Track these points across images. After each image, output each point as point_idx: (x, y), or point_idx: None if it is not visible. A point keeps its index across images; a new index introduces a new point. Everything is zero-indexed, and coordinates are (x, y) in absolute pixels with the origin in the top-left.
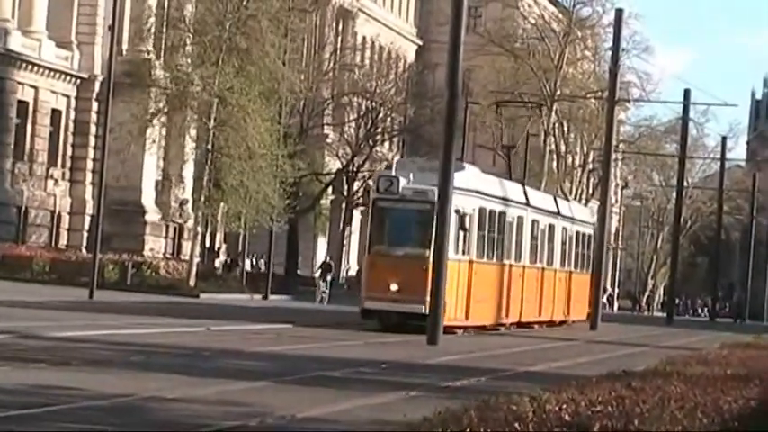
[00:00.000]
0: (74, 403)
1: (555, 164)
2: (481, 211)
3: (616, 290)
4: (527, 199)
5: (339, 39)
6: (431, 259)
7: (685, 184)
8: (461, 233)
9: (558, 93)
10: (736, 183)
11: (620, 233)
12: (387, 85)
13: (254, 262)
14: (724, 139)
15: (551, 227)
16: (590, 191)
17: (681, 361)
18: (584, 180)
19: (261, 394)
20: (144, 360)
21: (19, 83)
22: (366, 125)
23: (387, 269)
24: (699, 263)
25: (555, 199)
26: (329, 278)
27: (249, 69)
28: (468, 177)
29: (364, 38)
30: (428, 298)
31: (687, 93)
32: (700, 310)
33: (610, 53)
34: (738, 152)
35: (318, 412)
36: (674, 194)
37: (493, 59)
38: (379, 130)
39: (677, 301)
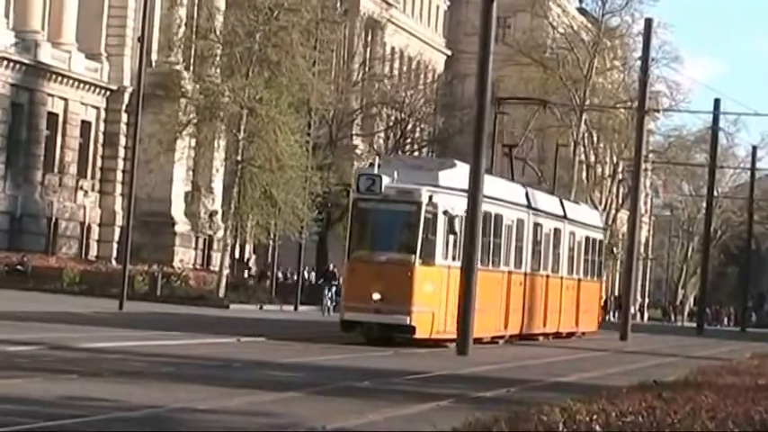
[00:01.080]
0: (104, 414)
1: (584, 174)
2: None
3: (646, 300)
4: (529, 201)
5: (368, 49)
6: (416, 266)
7: (715, 193)
8: (451, 237)
9: (588, 102)
10: (766, 192)
11: (650, 243)
12: (416, 95)
13: (288, 274)
14: (754, 148)
15: (557, 231)
16: (620, 201)
17: (712, 371)
18: (614, 190)
19: (290, 405)
20: (174, 371)
21: (49, 94)
22: (395, 136)
23: (368, 276)
24: (729, 272)
25: (561, 201)
26: (333, 288)
27: (279, 80)
28: (458, 176)
29: (393, 48)
30: (414, 308)
31: (717, 102)
32: (726, 321)
33: (639, 63)
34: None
35: (347, 423)
36: (704, 204)
37: (522, 69)
38: (409, 140)
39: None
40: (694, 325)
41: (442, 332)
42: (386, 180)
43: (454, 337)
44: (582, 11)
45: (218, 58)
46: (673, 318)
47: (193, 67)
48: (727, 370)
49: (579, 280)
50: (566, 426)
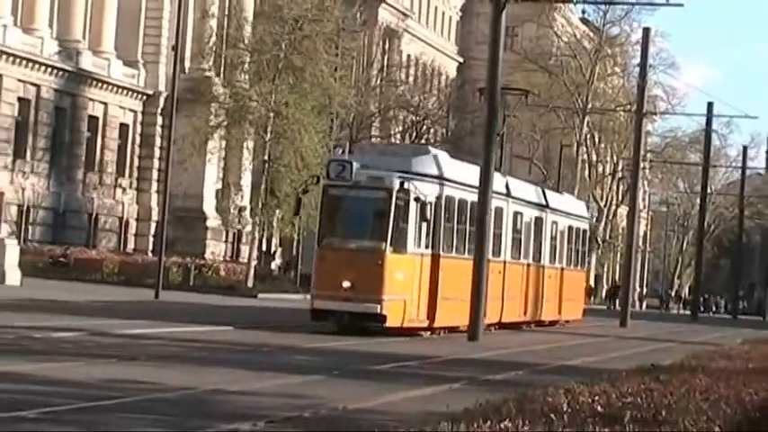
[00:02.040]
0: (141, 396)
1: (587, 172)
2: (449, 200)
3: (644, 289)
4: (508, 190)
5: (386, 57)
6: (387, 253)
7: (709, 190)
8: (423, 224)
9: (590, 106)
10: (756, 189)
11: (648, 237)
12: (430, 99)
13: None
14: (745, 148)
15: (538, 220)
16: (619, 197)
17: (705, 356)
18: (614, 187)
19: (315, 387)
20: (206, 355)
21: (90, 99)
22: (410, 137)
23: (338, 264)
24: (721, 264)
25: (543, 191)
26: None
27: (303, 86)
28: (431, 162)
29: (409, 56)
30: (384, 296)
31: (710, 106)
32: (715, 308)
33: (638, 69)
34: (759, 161)
35: (367, 404)
36: (698, 200)
37: (529, 75)
38: (423, 141)
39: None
40: (689, 313)
41: (414, 321)
42: (357, 166)
43: (427, 325)
44: (584, 21)
45: (246, 65)
46: (669, 306)
47: (223, 74)
48: (719, 354)
49: (562, 269)
50: (569, 406)
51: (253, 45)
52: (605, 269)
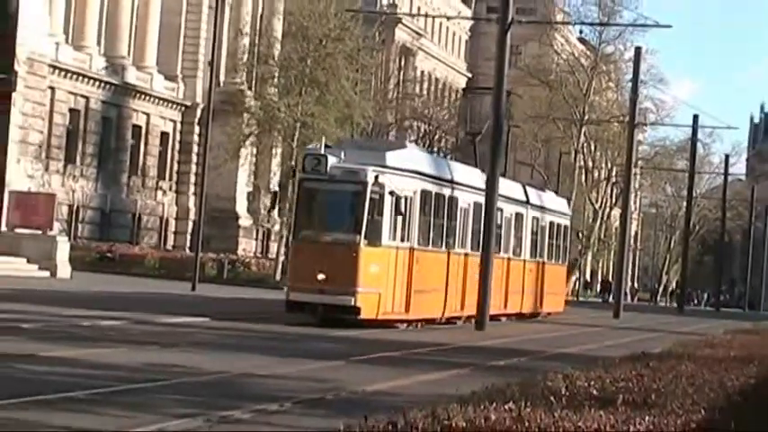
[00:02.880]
0: (178, 379)
1: (583, 177)
2: (425, 194)
3: (635, 284)
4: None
5: (402, 72)
6: (361, 246)
7: (694, 194)
8: (399, 218)
9: (586, 117)
10: (737, 194)
11: (639, 236)
12: (441, 111)
13: None
14: (727, 156)
15: (518, 215)
16: (613, 200)
17: (691, 344)
18: (609, 191)
19: (336, 371)
20: (237, 342)
21: (134, 110)
22: (424, 145)
23: (313, 257)
24: (705, 261)
25: (524, 188)
26: None
27: (327, 98)
28: (406, 157)
29: (423, 71)
30: (358, 289)
31: (696, 118)
32: (697, 301)
33: (630, 84)
34: (739, 167)
35: (384, 386)
36: (685, 203)
37: (531, 89)
38: (435, 149)
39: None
40: (676, 305)
41: (389, 313)
42: (332, 160)
43: (403, 318)
44: (582, 40)
45: (275, 80)
46: (657, 299)
47: (255, 87)
48: (704, 343)
49: (543, 263)
50: (567, 390)
51: (281, 61)
52: (600, 265)
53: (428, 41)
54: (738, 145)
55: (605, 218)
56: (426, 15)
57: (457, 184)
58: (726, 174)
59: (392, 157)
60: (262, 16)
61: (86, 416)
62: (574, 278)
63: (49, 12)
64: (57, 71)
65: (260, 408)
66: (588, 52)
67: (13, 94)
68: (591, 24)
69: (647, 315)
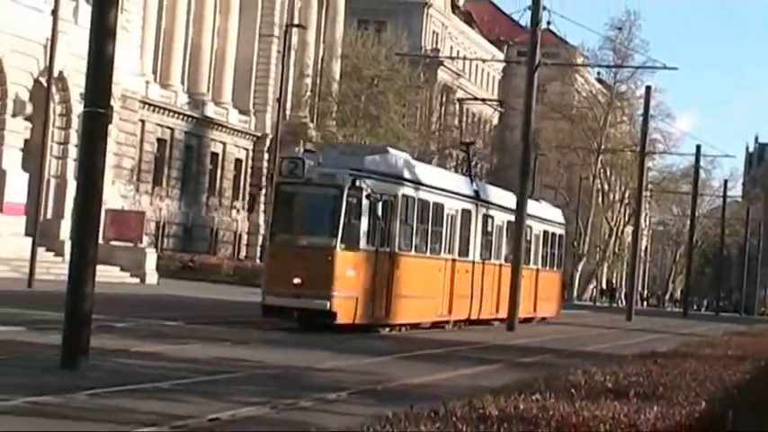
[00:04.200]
0: (247, 371)
1: (600, 199)
2: (407, 199)
3: (645, 291)
4: (477, 194)
5: (443, 107)
6: (337, 250)
7: (696, 214)
8: (378, 222)
9: (603, 147)
10: (734, 214)
11: (649, 250)
12: (477, 140)
13: None
14: (725, 181)
15: (511, 224)
16: (626, 219)
17: (694, 344)
18: (622, 211)
19: (384, 366)
20: (298, 340)
21: (212, 139)
22: (462, 171)
23: (289, 261)
24: (706, 272)
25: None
26: None
27: (378, 130)
28: (386, 162)
29: (461, 106)
30: (334, 293)
31: (698, 148)
32: (697, 307)
33: (641, 118)
34: (736, 191)
35: (426, 379)
36: (689, 222)
37: (555, 122)
38: (472, 174)
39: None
40: (680, 310)
41: (368, 318)
42: (309, 163)
43: (384, 322)
44: (599, 80)
45: (334, 114)
46: (664, 305)
47: (316, 120)
48: (705, 344)
49: (537, 270)
50: (586, 383)
51: (339, 98)
52: (614, 275)
53: (466, 81)
54: (735, 171)
55: (619, 234)
56: (464, 58)
57: (444, 190)
58: (724, 196)
59: (370, 162)
60: (322, 59)
61: (170, 403)
62: (591, 286)
63: (140, 55)
64: (146, 106)
65: (320, 397)
66: (605, 90)
67: (110, 126)
68: (607, 66)
69: (655, 318)
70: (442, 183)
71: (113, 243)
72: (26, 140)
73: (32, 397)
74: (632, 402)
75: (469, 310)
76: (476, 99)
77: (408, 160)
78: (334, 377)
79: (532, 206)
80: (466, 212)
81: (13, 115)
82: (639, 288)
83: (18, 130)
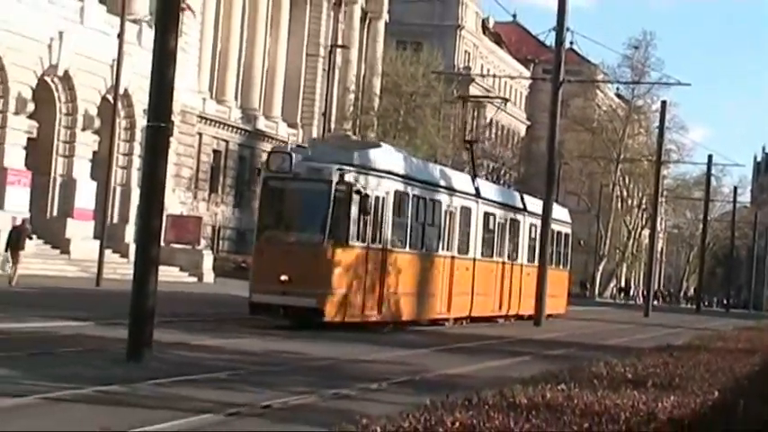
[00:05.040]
0: (296, 363)
1: (619, 204)
2: (400, 195)
3: (661, 289)
4: (478, 191)
5: (474, 121)
6: (325, 246)
7: (708, 218)
8: (368, 217)
9: (622, 157)
10: (743, 218)
11: (664, 251)
12: (506, 151)
13: None
14: (735, 188)
15: (514, 222)
16: (643, 223)
17: (706, 338)
18: (640, 215)
19: (422, 358)
20: (344, 334)
21: (263, 150)
22: (492, 178)
23: (276, 258)
24: (717, 272)
25: (521, 196)
26: None
27: (416, 141)
28: (378, 157)
29: (491, 119)
30: (322, 290)
31: (710, 157)
32: (707, 303)
33: (657, 130)
34: (745, 197)
35: (460, 370)
36: (701, 226)
37: (578, 134)
38: (502, 182)
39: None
40: (694, 307)
41: (358, 315)
42: (297, 158)
43: (375, 320)
44: (618, 95)
45: (375, 127)
46: (678, 302)
47: (358, 132)
48: (717, 338)
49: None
50: (608, 374)
51: (380, 112)
52: (633, 275)
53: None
54: (744, 178)
55: (637, 236)
56: (494, 76)
57: (442, 187)
58: (734, 202)
59: (360, 156)
60: (364, 76)
61: (226, 392)
62: (612, 284)
63: (198, 74)
64: (203, 120)
65: (363, 386)
66: (623, 105)
67: (170, 139)
68: (625, 83)
69: (670, 315)
70: (439, 179)
71: (173, 245)
72: (94, 152)
73: (101, 386)
74: (650, 392)
75: (470, 307)
76: (478, 97)
77: (403, 156)
78: (376, 368)
79: (536, 204)
80: (466, 210)
81: (83, 129)
82: (656, 287)
83: (87, 143)
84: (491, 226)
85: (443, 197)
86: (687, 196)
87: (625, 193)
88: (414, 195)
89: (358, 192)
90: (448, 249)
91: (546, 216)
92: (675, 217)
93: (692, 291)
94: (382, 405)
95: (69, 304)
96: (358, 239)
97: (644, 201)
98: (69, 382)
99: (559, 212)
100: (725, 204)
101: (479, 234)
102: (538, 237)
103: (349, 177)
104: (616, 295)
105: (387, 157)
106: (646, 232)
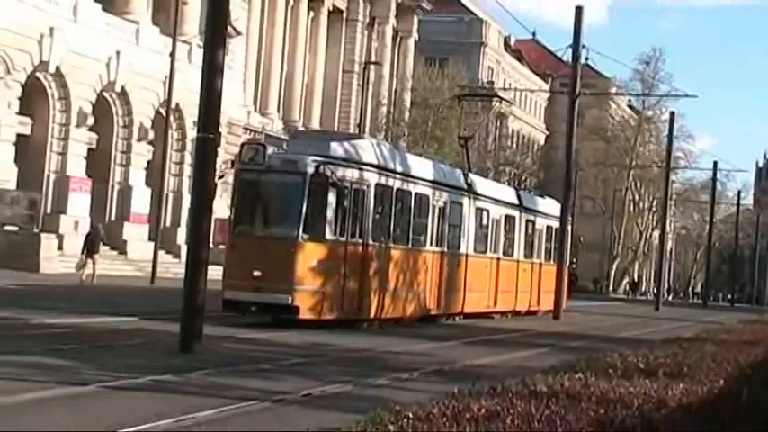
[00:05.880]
0: (333, 354)
1: (632, 207)
2: (382, 188)
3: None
4: (471, 186)
5: (497, 131)
6: (300, 241)
7: (714, 220)
8: (347, 212)
9: (633, 163)
10: (746, 219)
11: (673, 250)
12: (526, 159)
13: None
14: (739, 192)
15: (509, 218)
16: (654, 224)
17: (713, 331)
18: (650, 217)
19: (450, 350)
20: (380, 329)
21: None
22: (512, 184)
23: (249, 253)
24: (723, 269)
25: (517, 193)
26: None
27: (443, 150)
28: (358, 148)
29: (513, 130)
30: (296, 287)
31: (715, 163)
32: (713, 298)
33: (666, 139)
34: (748, 200)
35: (485, 361)
36: (707, 227)
37: (592, 143)
38: (522, 187)
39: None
40: (701, 302)
41: (336, 313)
42: (270, 150)
43: (358, 317)
44: (630, 107)
45: (405, 137)
46: (687, 297)
47: (390, 142)
48: (722, 330)
49: (540, 264)
50: (622, 364)
51: (409, 123)
52: (644, 272)
53: (517, 108)
54: (747, 183)
55: (648, 237)
56: (515, 89)
57: (430, 181)
58: (738, 205)
59: (338, 148)
60: (395, 91)
61: (270, 381)
62: (625, 281)
63: (243, 89)
64: (248, 131)
65: (395, 376)
66: (635, 115)
67: (218, 148)
68: (636, 95)
69: (679, 309)
70: (427, 174)
71: (221, 247)
72: (149, 161)
73: (156, 375)
74: (661, 380)
75: (462, 303)
76: (476, 95)
77: (387, 148)
78: (407, 359)
79: (533, 201)
80: (456, 205)
81: (138, 140)
82: (666, 283)
83: (142, 153)
84: (484, 221)
85: (432, 191)
86: (694, 200)
87: (637, 197)
88: (398, 189)
89: (335, 184)
90: (438, 245)
91: (563, 218)
92: (683, 219)
93: (699, 287)
94: (413, 393)
95: (127, 301)
96: (336, 234)
97: (654, 204)
98: (127, 372)
99: (555, 209)
100: (729, 207)
101: (472, 229)
102: (535, 233)
103: (325, 169)
104: (629, 291)
105: (368, 149)
106: (656, 233)
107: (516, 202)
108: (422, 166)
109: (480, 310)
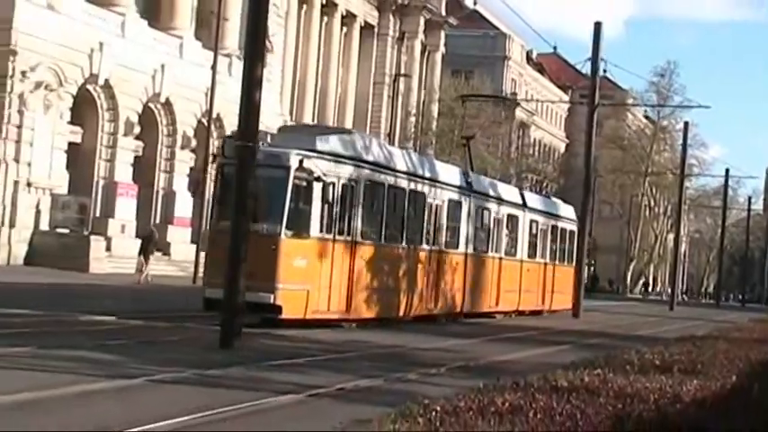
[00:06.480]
0: (365, 351)
1: (647, 212)
2: (373, 184)
3: (684, 286)
4: (470, 185)
5: (520, 139)
6: (283, 238)
7: (726, 224)
8: (333, 208)
9: (649, 170)
10: (757, 224)
11: (687, 253)
12: (547, 166)
13: None
14: (749, 197)
15: (511, 217)
16: (668, 228)
17: (725, 329)
18: (665, 222)
19: (474, 347)
20: (407, 327)
21: None
22: (534, 190)
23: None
24: (734, 271)
25: (521, 192)
26: None
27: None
28: (345, 143)
29: (535, 138)
30: (279, 285)
31: (727, 171)
32: (725, 299)
33: (681, 147)
34: (758, 205)
35: (508, 357)
36: (720, 230)
37: (610, 151)
38: (544, 193)
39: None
40: (713, 302)
41: (323, 312)
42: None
43: (343, 317)
44: (646, 116)
45: (433, 145)
46: (699, 297)
47: (419, 151)
48: (734, 328)
49: (545, 264)
50: (639, 360)
51: (437, 132)
52: (659, 274)
53: (538, 118)
54: (757, 189)
55: (663, 240)
56: (537, 100)
57: (427, 179)
58: (749, 209)
59: (324, 142)
60: (423, 102)
61: (305, 375)
62: (641, 282)
63: (280, 99)
64: None
65: (423, 371)
66: (650, 125)
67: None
68: (651, 106)
69: (692, 309)
70: (423, 171)
71: None
72: (191, 168)
73: (199, 370)
74: (676, 376)
75: (462, 303)
76: (481, 96)
77: (377, 143)
78: (435, 355)
79: (536, 201)
80: (454, 203)
81: (182, 148)
82: (680, 283)
83: (185, 160)
84: (485, 220)
85: (428, 189)
86: (707, 205)
87: (652, 203)
88: (390, 186)
89: (319, 179)
90: (434, 244)
91: (582, 223)
92: (697, 223)
93: (711, 288)
94: (441, 388)
95: (171, 299)
96: (321, 231)
97: (669, 209)
98: (171, 366)
99: (565, 209)
100: (740, 212)
101: (471, 228)
102: (539, 233)
103: (310, 164)
104: (644, 292)
105: (356, 144)
106: (671, 236)
107: (519, 201)
108: (417, 163)
109: (483, 309)
